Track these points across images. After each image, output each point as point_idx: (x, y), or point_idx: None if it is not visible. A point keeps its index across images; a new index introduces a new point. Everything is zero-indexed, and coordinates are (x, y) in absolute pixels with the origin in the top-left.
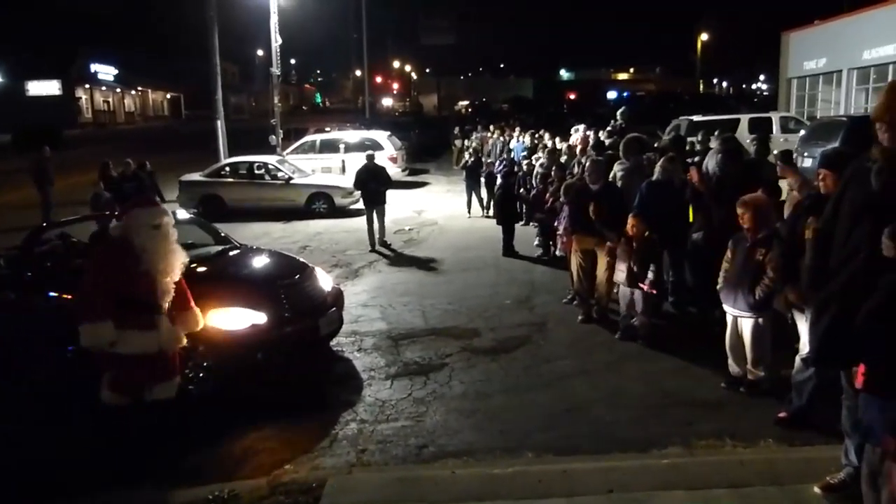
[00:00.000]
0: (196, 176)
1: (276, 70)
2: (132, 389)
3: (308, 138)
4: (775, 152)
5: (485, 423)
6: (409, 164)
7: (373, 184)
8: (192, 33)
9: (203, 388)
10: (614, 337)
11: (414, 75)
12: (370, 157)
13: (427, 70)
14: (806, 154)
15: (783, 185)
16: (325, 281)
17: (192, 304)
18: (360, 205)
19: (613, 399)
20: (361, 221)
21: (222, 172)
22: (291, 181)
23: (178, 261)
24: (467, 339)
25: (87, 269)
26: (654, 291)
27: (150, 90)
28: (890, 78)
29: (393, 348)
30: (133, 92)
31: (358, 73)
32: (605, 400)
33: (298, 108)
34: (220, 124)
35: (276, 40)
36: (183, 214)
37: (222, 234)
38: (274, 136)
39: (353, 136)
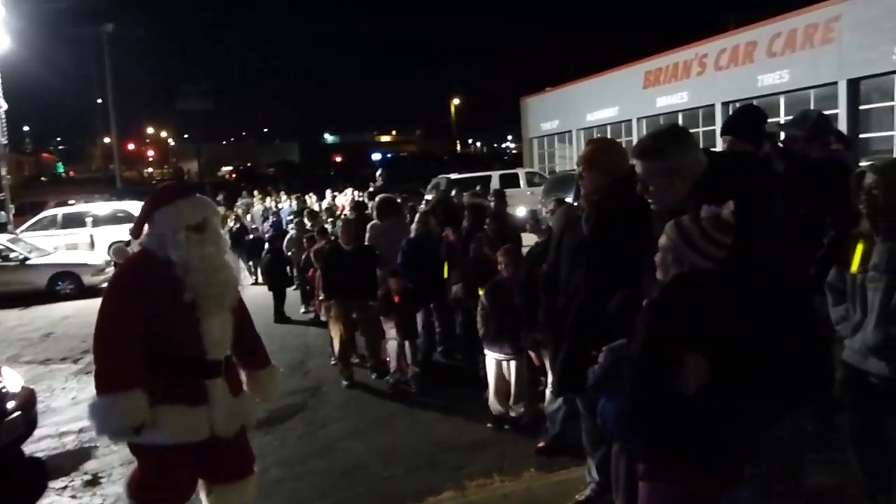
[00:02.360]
0: None
1: (1, 139)
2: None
3: (48, 213)
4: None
5: (259, 500)
6: None
7: None
8: None
9: None
10: (386, 392)
11: (172, 141)
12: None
13: (186, 135)
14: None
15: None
16: (11, 382)
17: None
18: None
19: (388, 454)
20: None
21: None
22: (28, 261)
23: (235, 280)
24: None
25: (100, 313)
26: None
27: None
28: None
29: None
30: None
31: (107, 140)
32: (381, 456)
33: (36, 180)
34: None
35: (0, 105)
36: None
37: None
38: (3, 213)
39: (102, 207)
